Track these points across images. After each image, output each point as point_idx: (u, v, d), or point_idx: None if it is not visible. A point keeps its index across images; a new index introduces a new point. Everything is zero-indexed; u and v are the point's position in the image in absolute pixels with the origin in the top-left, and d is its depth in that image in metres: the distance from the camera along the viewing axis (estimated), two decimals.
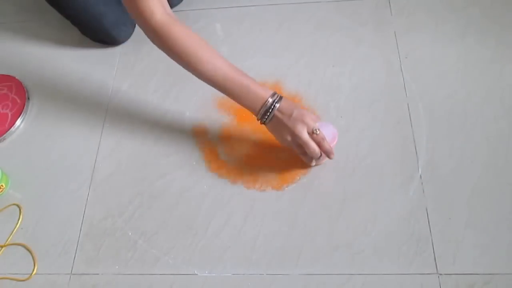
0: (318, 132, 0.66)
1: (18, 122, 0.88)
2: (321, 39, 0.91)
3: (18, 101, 0.91)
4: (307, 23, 0.94)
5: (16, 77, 0.94)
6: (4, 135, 0.87)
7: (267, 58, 0.90)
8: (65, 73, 0.95)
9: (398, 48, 0.87)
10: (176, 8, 1.01)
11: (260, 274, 0.69)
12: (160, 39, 0.66)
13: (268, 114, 0.67)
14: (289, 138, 0.68)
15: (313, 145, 0.66)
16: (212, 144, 0.81)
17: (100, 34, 0.94)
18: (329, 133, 0.69)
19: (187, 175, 0.79)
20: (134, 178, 0.80)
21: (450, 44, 0.86)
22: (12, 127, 0.88)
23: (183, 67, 0.69)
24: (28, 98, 0.91)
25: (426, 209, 0.71)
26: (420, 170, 0.74)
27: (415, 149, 0.76)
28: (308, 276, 0.68)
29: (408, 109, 0.80)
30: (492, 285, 0.64)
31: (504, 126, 0.76)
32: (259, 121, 0.70)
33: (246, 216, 0.74)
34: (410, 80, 0.83)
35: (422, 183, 0.73)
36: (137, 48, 0.96)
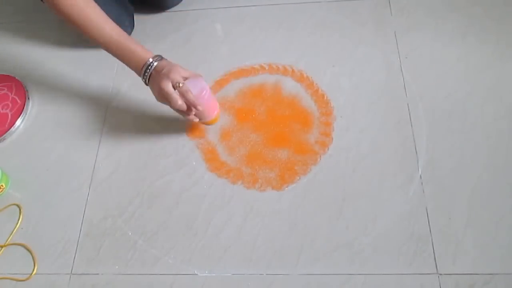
0: (181, 85, 0.67)
1: (18, 122, 0.88)
2: (321, 39, 0.91)
3: (18, 101, 0.91)
4: (307, 23, 0.94)
5: (16, 77, 0.94)
6: (4, 135, 0.87)
7: (267, 58, 0.90)
8: (65, 73, 0.95)
9: (398, 48, 0.87)
10: (176, 8, 1.01)
11: (260, 274, 0.69)
12: (51, 2, 0.68)
13: (147, 73, 0.70)
14: (157, 94, 0.70)
15: (175, 97, 0.68)
16: (212, 144, 0.81)
17: None
18: (196, 85, 0.70)
19: (187, 175, 0.79)
20: (134, 178, 0.80)
21: (450, 44, 0.86)
22: (12, 127, 0.88)
23: (73, 27, 0.71)
24: (28, 98, 0.91)
25: (426, 209, 0.71)
26: (420, 170, 0.74)
27: (415, 149, 0.76)
28: (308, 276, 0.68)
29: (408, 109, 0.80)
30: (492, 285, 0.64)
31: (504, 126, 0.76)
32: (142, 80, 0.72)
33: (246, 216, 0.74)
34: (410, 80, 0.83)
35: (422, 183, 0.73)
36: None
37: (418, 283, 0.65)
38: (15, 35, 1.02)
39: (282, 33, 0.93)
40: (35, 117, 0.90)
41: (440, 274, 0.65)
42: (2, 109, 0.90)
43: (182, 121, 0.85)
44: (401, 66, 0.85)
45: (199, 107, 0.69)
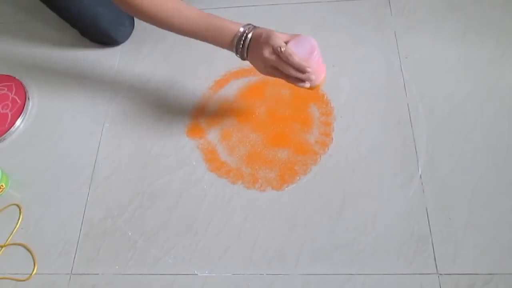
0: (282, 49, 0.61)
1: (18, 122, 0.88)
2: (321, 39, 0.90)
3: (18, 101, 0.91)
4: (307, 23, 0.94)
5: (16, 77, 0.94)
6: (4, 135, 0.87)
7: None
8: (65, 73, 0.95)
9: (398, 48, 0.87)
10: None
11: (260, 274, 0.69)
12: (126, 2, 0.66)
13: (241, 44, 0.64)
14: (262, 65, 0.65)
15: (283, 64, 0.62)
16: (212, 144, 0.81)
17: (98, 35, 0.94)
18: (304, 46, 0.63)
19: (187, 175, 0.79)
20: (134, 178, 0.80)
21: (450, 44, 0.86)
22: (12, 127, 0.88)
23: (151, 23, 0.68)
24: (28, 98, 0.91)
25: (426, 209, 0.71)
26: (420, 170, 0.74)
27: (415, 149, 0.76)
28: (308, 276, 0.68)
29: (408, 109, 0.80)
30: (492, 285, 0.64)
31: (504, 126, 0.76)
32: (239, 56, 0.67)
33: (246, 216, 0.74)
34: (410, 80, 0.83)
35: (422, 183, 0.73)
36: (137, 48, 0.96)
37: (418, 283, 0.65)
38: (15, 35, 1.02)
39: None
40: (35, 117, 0.90)
41: (440, 274, 0.65)
42: (2, 109, 0.90)
43: (182, 121, 0.85)
44: (401, 66, 0.85)
45: (308, 69, 0.62)
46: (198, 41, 0.95)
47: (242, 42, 0.64)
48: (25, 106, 0.90)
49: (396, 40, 0.88)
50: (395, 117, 0.80)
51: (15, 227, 0.77)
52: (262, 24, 0.95)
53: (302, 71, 0.62)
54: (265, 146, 0.80)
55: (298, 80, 0.64)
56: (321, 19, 0.94)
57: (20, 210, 0.79)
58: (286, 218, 0.73)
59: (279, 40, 0.62)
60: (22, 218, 0.78)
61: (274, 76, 0.66)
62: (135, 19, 0.97)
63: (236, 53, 0.66)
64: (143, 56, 0.95)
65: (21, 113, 0.89)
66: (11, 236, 0.77)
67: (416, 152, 0.76)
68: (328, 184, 0.75)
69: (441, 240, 0.68)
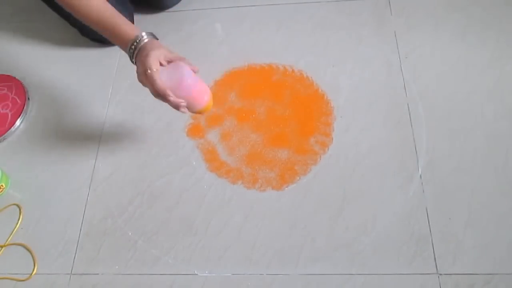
0: (148, 72, 0.61)
1: (18, 122, 0.88)
2: (321, 39, 0.91)
3: (18, 101, 0.91)
4: (307, 23, 0.94)
5: (16, 77, 0.94)
6: (4, 135, 0.87)
7: (267, 58, 0.90)
8: (65, 73, 0.95)
9: (398, 48, 0.87)
10: (176, 8, 1.01)
11: (260, 274, 0.69)
12: None
13: (131, 51, 0.64)
14: (138, 80, 0.64)
15: (149, 87, 0.62)
16: (212, 144, 0.81)
17: (98, 34, 0.94)
18: (174, 74, 0.63)
19: (187, 175, 0.79)
20: (134, 178, 0.80)
21: (450, 44, 0.86)
22: (12, 127, 0.88)
23: (61, 5, 0.68)
24: (28, 98, 0.91)
25: (426, 209, 0.71)
26: (420, 170, 0.74)
27: (415, 149, 0.76)
28: (308, 276, 0.68)
29: (408, 109, 0.80)
30: (492, 285, 0.64)
31: (504, 126, 0.76)
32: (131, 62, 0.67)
33: (246, 216, 0.74)
34: (410, 80, 0.83)
35: (422, 183, 0.73)
36: None
37: (418, 283, 0.65)
38: (15, 35, 1.02)
39: (282, 33, 0.93)
40: (35, 117, 0.90)
41: (440, 274, 0.65)
42: (2, 109, 0.90)
43: (182, 121, 0.85)
44: (401, 66, 0.85)
45: (170, 98, 0.62)
46: (198, 41, 0.96)
47: (132, 50, 0.64)
48: (25, 106, 0.90)
49: (396, 40, 0.88)
50: (395, 117, 0.80)
51: (15, 227, 0.77)
52: (262, 24, 0.96)
53: (164, 98, 0.62)
54: (265, 146, 0.80)
55: (173, 106, 0.64)
56: (321, 19, 0.94)
57: (20, 210, 0.79)
58: (286, 218, 0.73)
59: (152, 61, 0.61)
60: (22, 218, 0.78)
61: None
62: (134, 19, 0.97)
63: (130, 59, 0.67)
64: None
65: (21, 113, 0.89)
66: (11, 236, 0.77)
67: (416, 152, 0.76)
68: (328, 184, 0.75)
69: (441, 240, 0.68)
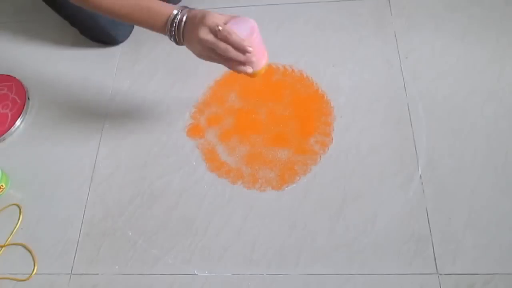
0: (220, 28, 0.56)
1: (18, 122, 0.88)
2: (321, 39, 0.91)
3: (18, 101, 0.91)
4: (307, 23, 0.94)
5: (16, 77, 0.94)
6: (4, 135, 0.87)
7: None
8: (65, 73, 0.95)
9: (398, 48, 0.87)
10: None
11: (260, 274, 0.69)
12: None
13: (175, 27, 0.60)
14: (199, 47, 0.59)
15: (221, 44, 0.57)
16: (212, 144, 0.81)
17: (97, 34, 0.94)
18: (244, 27, 0.59)
19: (187, 175, 0.79)
20: (134, 178, 0.80)
21: (450, 44, 0.86)
22: (12, 127, 0.88)
23: (81, 4, 0.65)
24: (28, 98, 0.91)
25: (426, 209, 0.71)
26: (420, 170, 0.74)
27: (415, 149, 0.76)
28: (308, 276, 0.68)
29: (408, 109, 0.80)
30: (492, 285, 0.64)
31: (504, 126, 0.76)
32: (173, 41, 0.62)
33: (246, 216, 0.74)
34: (410, 80, 0.83)
35: (422, 183, 0.73)
36: (137, 48, 0.96)
37: (418, 283, 0.65)
38: (15, 35, 1.02)
39: (282, 33, 0.93)
40: (35, 117, 0.90)
41: (440, 274, 0.65)
42: (2, 109, 0.90)
43: (182, 121, 0.85)
44: (401, 66, 0.85)
45: (249, 49, 0.57)
46: None
47: (176, 25, 0.59)
48: (25, 106, 0.90)
49: (396, 40, 0.88)
50: (395, 117, 0.80)
51: (15, 227, 0.77)
52: (262, 24, 0.95)
53: (243, 50, 0.57)
54: (265, 146, 0.80)
55: (237, 63, 0.59)
56: (321, 19, 0.94)
57: (20, 210, 0.79)
58: (286, 218, 0.73)
59: (216, 19, 0.57)
60: (22, 218, 0.78)
61: (213, 60, 0.61)
62: None
63: (170, 37, 0.62)
64: (143, 55, 0.95)
65: (21, 113, 0.89)
66: (11, 236, 0.77)
67: (416, 152, 0.76)
68: (328, 184, 0.75)
69: (441, 240, 0.68)
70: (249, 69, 0.60)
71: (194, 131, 0.83)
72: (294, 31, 0.93)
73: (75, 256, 0.74)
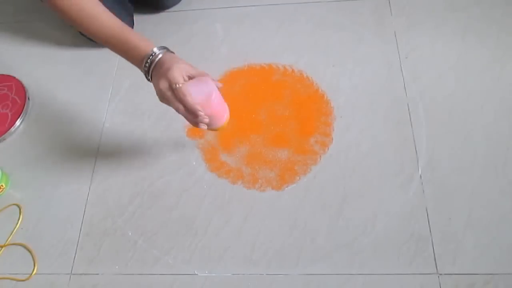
0: (177, 86, 0.58)
1: (18, 122, 0.88)
2: (321, 39, 0.91)
3: (18, 101, 0.91)
4: (307, 23, 0.94)
5: (16, 77, 0.94)
6: (4, 135, 0.87)
7: (267, 58, 0.90)
8: (65, 73, 0.95)
9: (398, 48, 0.87)
10: (176, 8, 1.01)
11: (260, 274, 0.69)
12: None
13: (146, 67, 0.61)
14: (158, 95, 0.61)
15: (175, 102, 0.59)
16: (212, 144, 0.81)
17: None
18: (202, 89, 0.60)
19: (187, 175, 0.79)
20: (134, 178, 0.80)
21: (450, 44, 0.86)
22: (12, 127, 0.88)
23: (69, 23, 0.65)
24: (28, 98, 0.91)
25: (426, 209, 0.71)
26: (420, 170, 0.74)
27: (415, 149, 0.76)
28: (308, 276, 0.68)
29: (408, 109, 0.80)
30: (492, 285, 0.64)
31: (504, 126, 0.76)
32: (146, 78, 0.63)
33: (246, 216, 0.74)
34: (410, 80, 0.83)
35: (422, 183, 0.73)
36: None
37: (418, 283, 0.65)
38: (15, 35, 1.02)
39: (282, 33, 0.93)
40: (35, 117, 0.90)
41: (440, 274, 0.65)
42: (2, 109, 0.90)
43: (182, 121, 0.84)
44: (401, 66, 0.85)
45: (200, 113, 0.59)
46: (198, 41, 0.96)
47: (147, 65, 0.61)
48: (25, 106, 0.90)
49: (396, 40, 0.88)
50: (395, 117, 0.80)
51: (15, 227, 0.77)
52: (262, 24, 0.96)
53: (193, 114, 0.60)
54: (265, 146, 0.80)
55: (191, 121, 0.61)
56: (321, 19, 0.94)
57: (20, 210, 0.79)
58: (286, 218, 0.73)
59: (178, 75, 0.59)
60: (22, 218, 0.78)
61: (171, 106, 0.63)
62: (134, 19, 0.97)
63: (144, 74, 0.64)
64: None
65: (21, 113, 0.89)
66: (11, 236, 0.77)
67: (416, 152, 0.76)
68: (328, 184, 0.75)
69: (441, 240, 0.68)
70: (202, 127, 0.62)
71: (194, 131, 0.83)
72: (294, 31, 0.93)
73: (75, 256, 0.74)
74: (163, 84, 0.59)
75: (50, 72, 0.95)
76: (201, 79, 0.61)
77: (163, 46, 0.63)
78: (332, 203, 0.73)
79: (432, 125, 0.78)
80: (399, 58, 0.86)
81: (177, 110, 0.60)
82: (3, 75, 0.95)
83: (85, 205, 0.78)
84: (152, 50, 0.61)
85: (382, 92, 0.82)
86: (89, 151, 0.84)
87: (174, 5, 1.00)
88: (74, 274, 0.72)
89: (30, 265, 0.74)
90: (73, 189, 0.80)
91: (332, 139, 0.79)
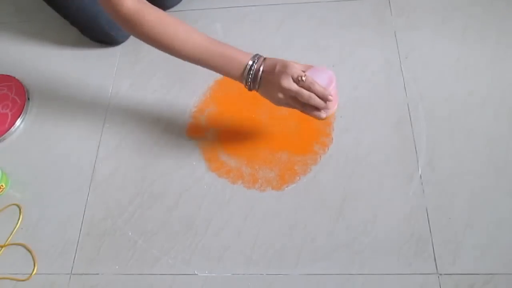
0: (304, 78, 0.60)
1: (18, 122, 0.88)
2: (321, 39, 0.91)
3: (18, 101, 0.91)
4: (307, 23, 0.94)
5: (16, 77, 0.94)
6: (4, 135, 0.87)
7: None
8: (65, 73, 0.95)
9: (398, 48, 0.87)
10: (176, 8, 1.01)
11: (260, 274, 0.69)
12: (134, 27, 0.64)
13: (252, 76, 0.63)
14: (280, 95, 0.63)
15: (305, 92, 0.61)
16: (212, 144, 0.81)
17: (98, 34, 0.94)
18: (323, 76, 0.63)
19: (187, 175, 0.79)
20: (134, 178, 0.80)
21: (450, 44, 0.86)
22: (12, 127, 0.88)
23: (160, 50, 0.66)
24: (28, 98, 0.91)
25: (426, 209, 0.71)
26: (420, 170, 0.74)
27: (415, 149, 0.76)
28: (308, 276, 0.68)
29: (408, 109, 0.80)
30: (492, 285, 0.64)
31: (504, 126, 0.76)
32: (247, 87, 0.65)
33: (246, 216, 0.74)
34: (410, 80, 0.83)
35: (422, 183, 0.73)
36: (137, 48, 0.96)
37: (418, 283, 0.65)
38: (15, 35, 1.02)
39: (282, 33, 0.93)
40: (35, 117, 0.90)
41: (440, 274, 0.65)
42: (2, 109, 0.90)
43: (182, 121, 0.85)
44: (401, 66, 0.85)
45: (330, 98, 0.61)
46: None
47: (252, 75, 0.63)
48: (25, 106, 0.90)
49: (396, 40, 0.88)
50: (395, 117, 0.80)
51: (15, 227, 0.77)
52: (262, 24, 0.96)
53: (325, 99, 0.62)
54: (265, 146, 0.80)
55: (314, 109, 0.63)
56: (321, 19, 0.94)
57: (20, 210, 0.79)
58: (286, 218, 0.73)
59: (298, 69, 0.61)
60: (22, 218, 0.78)
61: (290, 106, 0.65)
62: None
63: (246, 84, 0.65)
64: (143, 55, 0.95)
65: (21, 113, 0.89)
66: (11, 236, 0.77)
67: (416, 152, 0.76)
68: (328, 184, 0.75)
69: (441, 240, 0.68)
70: (323, 114, 0.63)
71: (194, 130, 0.83)
72: (294, 31, 0.93)
73: (75, 256, 0.74)
74: (286, 81, 0.61)
75: (50, 72, 0.95)
76: (317, 68, 0.64)
77: (257, 54, 0.64)
78: (332, 203, 0.73)
79: (432, 125, 0.78)
80: (399, 58, 0.86)
81: (309, 99, 0.61)
82: (3, 75, 0.95)
83: (85, 205, 0.78)
84: (251, 62, 0.63)
85: (382, 92, 0.82)
86: (89, 150, 0.84)
87: (174, 5, 1.00)
88: (74, 274, 0.72)
89: (30, 265, 0.74)
90: (73, 189, 0.80)
91: (332, 139, 0.79)
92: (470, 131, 0.76)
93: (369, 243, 0.69)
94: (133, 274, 0.71)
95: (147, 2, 0.65)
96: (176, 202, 0.76)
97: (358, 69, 0.86)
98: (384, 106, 0.81)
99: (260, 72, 0.63)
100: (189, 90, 0.88)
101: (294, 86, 0.61)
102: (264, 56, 0.65)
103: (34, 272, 0.73)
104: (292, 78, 0.61)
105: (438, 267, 0.66)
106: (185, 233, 0.73)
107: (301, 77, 0.60)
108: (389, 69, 0.85)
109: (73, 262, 0.73)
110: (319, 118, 0.64)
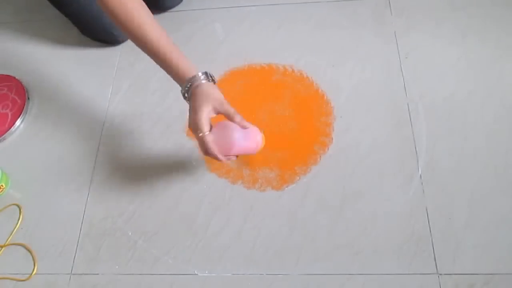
0: (200, 134, 0.61)
1: (18, 122, 0.88)
2: (321, 39, 0.91)
3: (18, 101, 0.91)
4: (307, 23, 0.94)
5: (16, 77, 0.94)
6: (4, 135, 0.87)
7: (267, 58, 0.90)
8: (65, 73, 0.95)
9: (398, 48, 0.87)
10: (176, 8, 1.01)
11: (260, 274, 0.69)
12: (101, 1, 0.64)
13: (186, 94, 0.64)
14: (189, 122, 0.64)
15: (200, 144, 0.63)
16: None
17: (100, 33, 0.94)
18: (225, 135, 0.63)
19: (187, 175, 0.79)
20: (134, 178, 0.80)
21: (450, 44, 0.86)
22: (12, 127, 0.88)
23: (120, 29, 0.66)
24: (28, 98, 0.91)
25: (426, 209, 0.71)
26: (420, 170, 0.74)
27: (415, 149, 0.76)
28: (308, 276, 0.68)
29: (408, 109, 0.80)
30: (492, 285, 0.64)
31: (504, 126, 0.76)
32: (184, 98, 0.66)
33: (246, 216, 0.74)
34: (410, 80, 0.83)
35: (422, 183, 0.73)
36: (137, 48, 0.95)
37: (418, 283, 0.65)
38: (16, 35, 1.02)
39: (282, 33, 0.93)
40: (35, 117, 0.90)
41: (440, 274, 0.65)
42: (2, 109, 0.90)
43: (182, 121, 0.85)
44: (401, 66, 0.85)
45: (221, 159, 0.63)
46: (198, 41, 0.96)
47: (187, 88, 0.63)
48: (25, 106, 0.90)
49: (396, 40, 0.88)
50: (395, 117, 0.80)
51: (15, 227, 0.77)
52: (262, 24, 0.96)
53: (215, 159, 0.63)
54: (265, 146, 0.80)
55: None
56: (321, 19, 0.94)
57: (20, 210, 0.79)
58: (286, 218, 0.73)
59: (203, 122, 0.61)
60: (22, 218, 0.78)
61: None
62: None
63: (183, 95, 0.66)
64: (143, 55, 0.94)
65: (21, 113, 0.89)
66: (11, 236, 0.77)
67: (416, 152, 0.76)
68: (328, 184, 0.75)
69: (441, 240, 0.68)
70: (222, 159, 0.64)
71: None
72: (294, 31, 0.93)
73: (75, 256, 0.74)
74: (192, 122, 0.62)
75: (50, 72, 0.95)
76: (225, 125, 0.64)
77: (205, 72, 0.64)
78: (332, 203, 0.73)
79: (432, 125, 0.78)
80: (399, 58, 0.86)
81: (200, 148, 0.63)
82: (3, 75, 0.95)
83: (85, 205, 0.78)
84: (194, 76, 0.63)
85: (382, 92, 0.82)
86: (89, 151, 0.84)
87: (174, 5, 1.00)
88: (74, 274, 0.72)
89: (30, 265, 0.74)
90: (73, 189, 0.80)
91: (332, 139, 0.79)
92: (470, 131, 0.76)
93: (369, 243, 0.69)
94: (133, 274, 0.71)
95: None
96: (176, 202, 0.76)
97: (358, 69, 0.86)
98: (384, 106, 0.81)
99: (190, 92, 0.63)
100: None
101: (197, 135, 0.62)
102: (207, 82, 0.64)
103: (34, 272, 0.73)
104: (196, 125, 0.61)
105: (438, 267, 0.66)
106: (185, 233, 0.73)
107: (198, 132, 0.61)
108: (389, 69, 0.85)
109: (73, 262, 0.73)
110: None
